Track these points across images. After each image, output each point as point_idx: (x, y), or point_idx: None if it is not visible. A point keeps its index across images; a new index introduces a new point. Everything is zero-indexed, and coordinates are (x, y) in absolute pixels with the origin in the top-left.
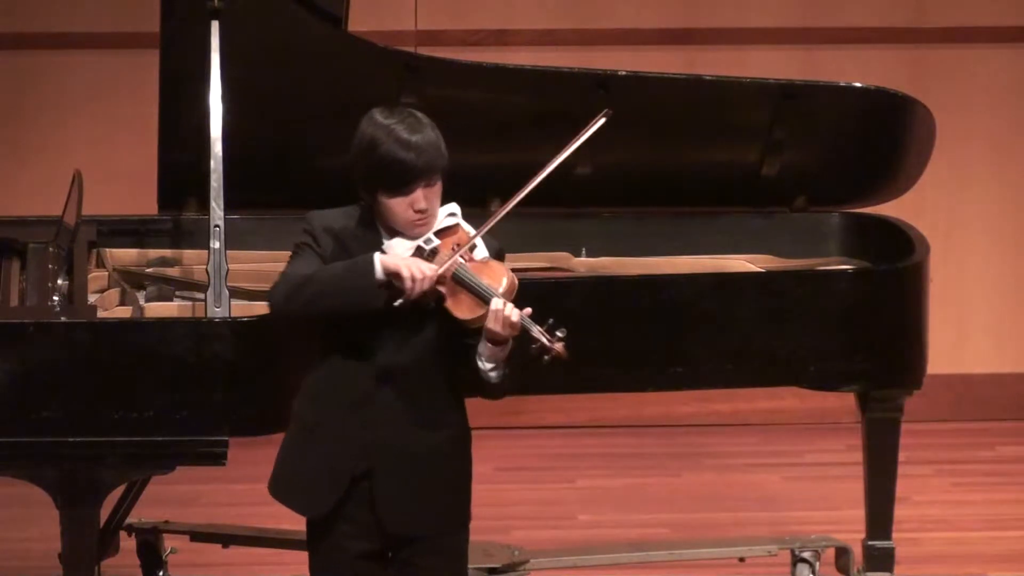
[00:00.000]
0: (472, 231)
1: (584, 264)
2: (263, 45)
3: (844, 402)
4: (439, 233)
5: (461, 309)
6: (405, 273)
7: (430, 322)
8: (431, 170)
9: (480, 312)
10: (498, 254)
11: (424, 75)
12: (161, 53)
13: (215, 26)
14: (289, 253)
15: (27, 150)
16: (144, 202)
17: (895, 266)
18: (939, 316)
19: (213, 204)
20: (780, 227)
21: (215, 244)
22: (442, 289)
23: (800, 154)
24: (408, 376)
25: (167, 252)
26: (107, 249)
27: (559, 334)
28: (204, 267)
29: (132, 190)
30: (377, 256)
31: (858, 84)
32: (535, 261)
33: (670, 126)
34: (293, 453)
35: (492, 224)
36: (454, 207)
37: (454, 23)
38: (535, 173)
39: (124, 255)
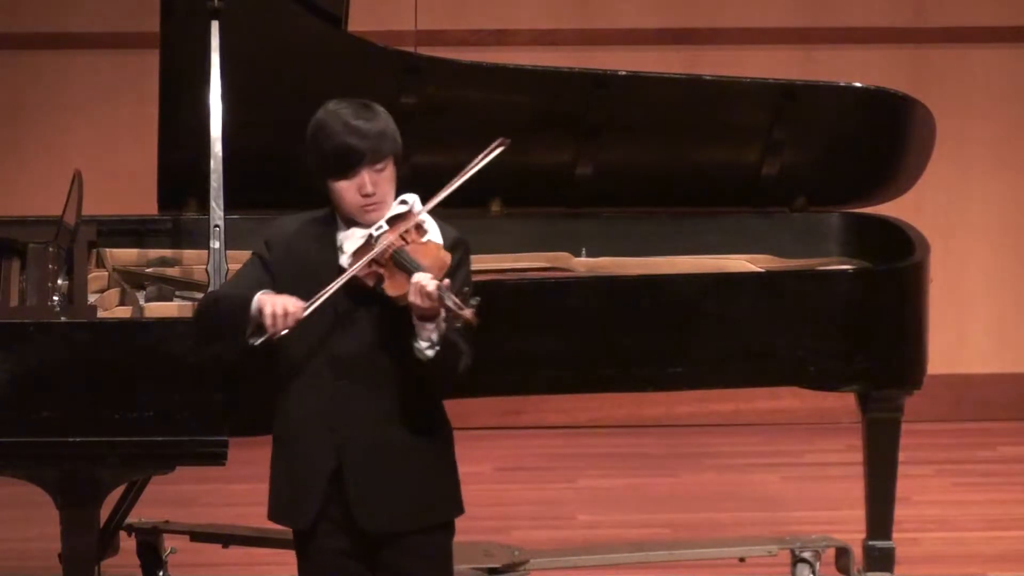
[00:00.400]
0: (427, 219)
1: (584, 264)
2: (263, 45)
3: (844, 402)
4: (390, 220)
5: (393, 287)
6: (267, 310)
7: (379, 310)
8: (376, 153)
9: (407, 288)
10: (454, 243)
11: (424, 75)
12: (161, 53)
13: (215, 26)
14: None
15: (27, 150)
16: (144, 202)
17: (895, 266)
18: (939, 316)
19: (213, 204)
20: (780, 227)
21: (215, 244)
22: (382, 271)
23: (800, 154)
24: (364, 368)
25: (167, 252)
26: (107, 249)
27: (472, 303)
28: (204, 267)
29: (132, 190)
30: (259, 295)
31: (858, 84)
32: (535, 261)
33: (670, 126)
34: (277, 473)
35: (430, 207)
36: (410, 196)
37: (454, 23)
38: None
39: (124, 255)
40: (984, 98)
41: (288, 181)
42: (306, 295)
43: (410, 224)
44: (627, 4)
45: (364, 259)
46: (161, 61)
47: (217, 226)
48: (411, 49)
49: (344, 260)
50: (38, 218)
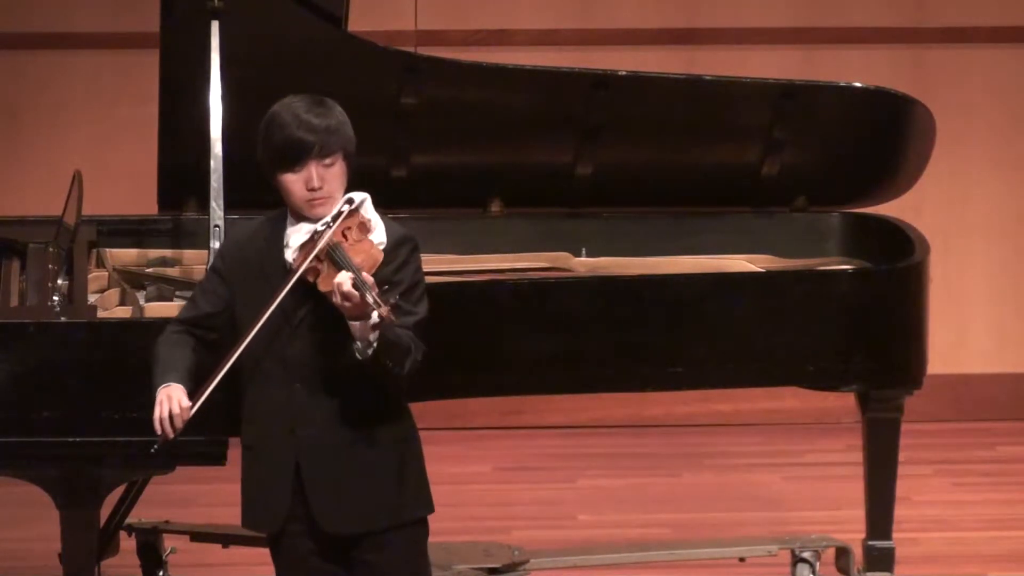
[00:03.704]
0: (374, 218)
1: (584, 264)
2: (263, 45)
3: (844, 402)
4: (336, 217)
5: (325, 283)
6: (155, 412)
7: (323, 309)
8: (325, 148)
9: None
10: (400, 240)
11: (424, 75)
12: (161, 53)
13: (215, 26)
14: None
15: (27, 150)
16: (144, 202)
17: (895, 266)
18: (939, 316)
19: (213, 204)
20: (780, 227)
21: (215, 244)
22: (319, 267)
23: (800, 154)
24: (319, 369)
25: (167, 252)
26: (107, 249)
27: (392, 300)
28: (204, 267)
29: (132, 190)
30: (162, 387)
31: (858, 84)
32: (535, 261)
33: (670, 126)
34: (247, 480)
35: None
36: (358, 195)
37: (454, 23)
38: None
39: (124, 255)
40: (984, 98)
41: None
42: (259, 295)
43: (354, 222)
44: (627, 4)
45: (304, 255)
46: (161, 61)
47: (217, 226)
48: (411, 49)
49: (289, 255)
50: (38, 218)
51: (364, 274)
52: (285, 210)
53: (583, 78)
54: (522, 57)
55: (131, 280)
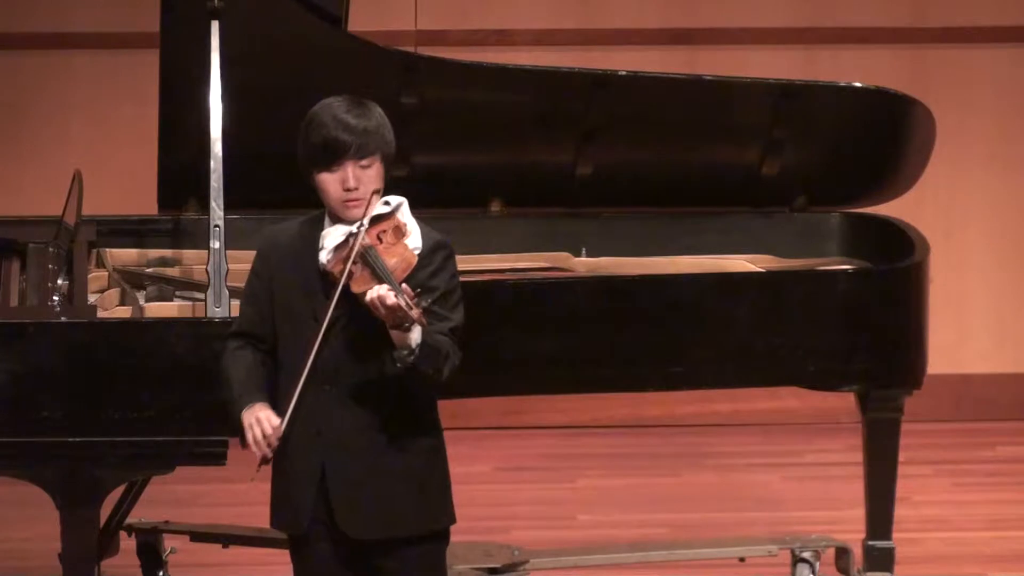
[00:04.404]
0: (410, 222)
1: (584, 264)
2: (263, 45)
3: (844, 402)
4: (373, 220)
5: (358, 284)
6: (248, 436)
7: (358, 314)
8: (362, 149)
9: (369, 286)
10: (436, 246)
11: (424, 75)
12: (161, 53)
13: (215, 26)
14: None
15: (27, 150)
16: (144, 202)
17: (895, 266)
18: (939, 316)
19: (213, 204)
20: (780, 227)
21: (215, 244)
22: (354, 270)
23: (800, 154)
24: (351, 374)
25: (167, 252)
26: (107, 249)
27: (423, 304)
28: (204, 267)
29: (132, 190)
30: (246, 409)
31: (858, 84)
32: (535, 261)
33: (670, 126)
34: (274, 481)
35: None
36: (395, 198)
37: (454, 23)
38: None
39: (124, 255)
40: (983, 98)
41: (288, 181)
42: (295, 296)
43: (389, 225)
44: (627, 4)
45: (338, 257)
46: (161, 61)
47: (217, 226)
48: (411, 49)
49: (323, 256)
50: (38, 218)
51: (396, 281)
52: (323, 212)
53: (583, 78)
54: (522, 57)
55: (131, 280)
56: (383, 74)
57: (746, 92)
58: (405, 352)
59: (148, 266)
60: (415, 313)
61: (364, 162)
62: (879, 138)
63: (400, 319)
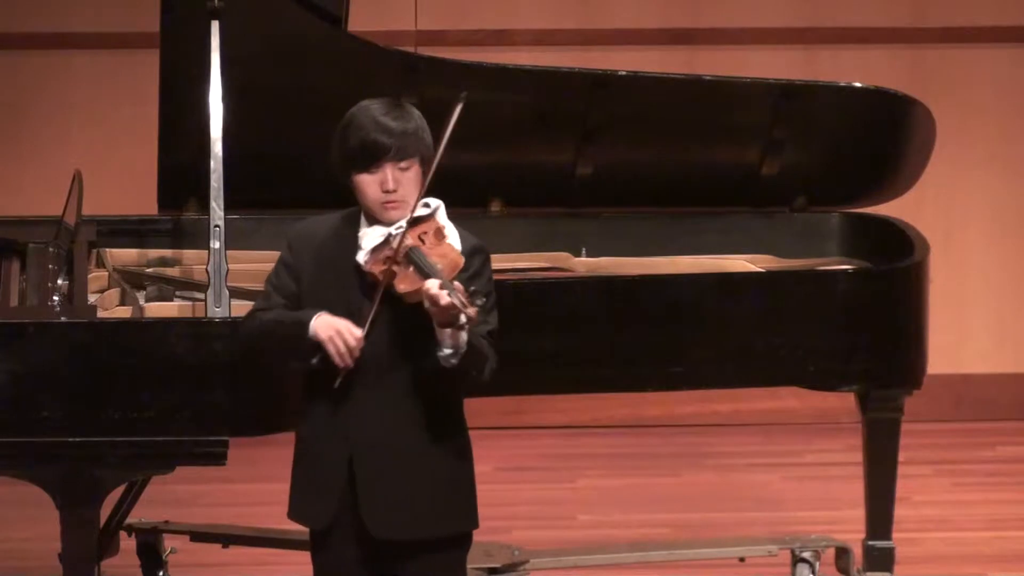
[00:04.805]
0: (448, 225)
1: (584, 264)
2: (263, 45)
3: (844, 402)
4: (412, 222)
5: (403, 283)
6: (331, 348)
7: (402, 318)
8: (401, 151)
9: (417, 286)
10: (473, 250)
11: (424, 75)
12: (161, 53)
13: (215, 26)
14: None
15: (27, 150)
16: (144, 202)
17: (895, 266)
18: (939, 316)
19: (213, 204)
20: (780, 227)
21: (215, 244)
22: (396, 269)
23: (800, 154)
24: (379, 371)
25: (167, 252)
26: (107, 249)
27: (477, 302)
28: (204, 267)
29: (132, 190)
30: (314, 320)
31: (858, 84)
32: (535, 261)
33: (670, 126)
34: (296, 471)
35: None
36: (434, 200)
37: (454, 23)
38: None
39: (124, 255)
40: (984, 98)
41: (288, 181)
42: (328, 293)
43: (430, 227)
44: (627, 4)
45: (380, 256)
46: (161, 61)
47: (217, 226)
48: (411, 49)
49: (361, 256)
50: (38, 218)
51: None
52: (358, 210)
53: (583, 78)
54: (522, 57)
55: (131, 280)
56: (383, 74)
57: (746, 92)
58: (449, 352)
59: (148, 266)
60: (471, 311)
61: (403, 164)
62: (879, 138)
63: (453, 317)
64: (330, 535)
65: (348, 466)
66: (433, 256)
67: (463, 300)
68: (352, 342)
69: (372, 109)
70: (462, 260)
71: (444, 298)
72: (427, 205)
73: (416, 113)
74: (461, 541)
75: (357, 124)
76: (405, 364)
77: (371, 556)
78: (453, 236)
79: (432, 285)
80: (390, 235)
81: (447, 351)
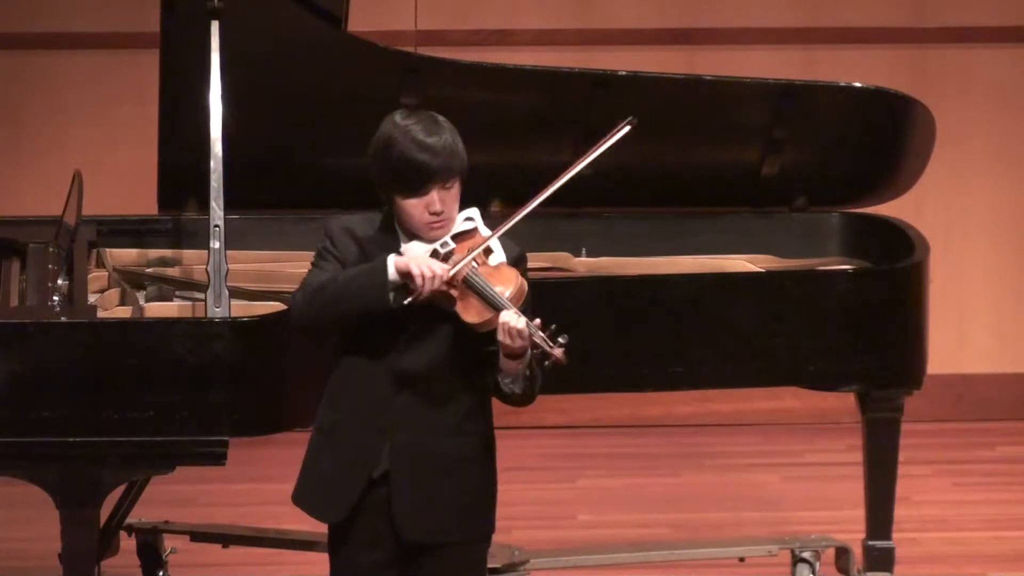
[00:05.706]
0: (489, 234)
1: (584, 264)
2: (263, 45)
3: (844, 402)
4: (456, 237)
5: (470, 313)
6: (415, 271)
7: (446, 327)
8: (446, 172)
9: (487, 316)
10: (517, 259)
11: (424, 75)
12: (161, 53)
13: (215, 26)
14: (290, 253)
15: (27, 150)
16: (144, 202)
17: (895, 266)
18: (939, 316)
19: (213, 204)
20: (780, 227)
21: (215, 244)
22: (454, 293)
23: (800, 154)
24: (426, 381)
25: (167, 252)
26: (107, 249)
27: (561, 340)
28: (204, 267)
29: (132, 190)
30: (391, 257)
31: (858, 84)
32: (535, 261)
33: (670, 126)
34: (312, 458)
35: (507, 228)
36: (473, 212)
37: (454, 23)
38: (552, 180)
39: (124, 255)
40: (984, 98)
41: (288, 181)
42: None
43: (475, 243)
44: (627, 4)
45: (452, 269)
46: (161, 61)
47: (217, 226)
48: (411, 49)
49: None
50: (38, 218)
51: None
52: (389, 215)
53: (583, 78)
54: (522, 57)
55: (131, 280)
56: (383, 74)
57: (746, 92)
58: (509, 380)
59: (148, 266)
60: (558, 351)
61: (448, 184)
62: (879, 138)
63: (535, 357)
64: (353, 536)
65: (380, 467)
66: (494, 282)
67: (547, 341)
68: (438, 271)
69: (411, 130)
70: (526, 285)
71: (525, 337)
72: (470, 219)
73: (447, 124)
74: (483, 541)
75: (400, 148)
76: (450, 377)
77: (392, 554)
78: (498, 249)
79: (510, 319)
80: (436, 251)
81: (508, 379)
